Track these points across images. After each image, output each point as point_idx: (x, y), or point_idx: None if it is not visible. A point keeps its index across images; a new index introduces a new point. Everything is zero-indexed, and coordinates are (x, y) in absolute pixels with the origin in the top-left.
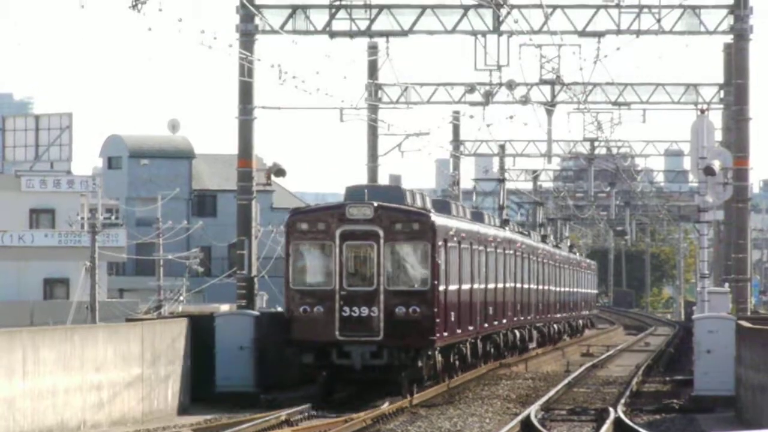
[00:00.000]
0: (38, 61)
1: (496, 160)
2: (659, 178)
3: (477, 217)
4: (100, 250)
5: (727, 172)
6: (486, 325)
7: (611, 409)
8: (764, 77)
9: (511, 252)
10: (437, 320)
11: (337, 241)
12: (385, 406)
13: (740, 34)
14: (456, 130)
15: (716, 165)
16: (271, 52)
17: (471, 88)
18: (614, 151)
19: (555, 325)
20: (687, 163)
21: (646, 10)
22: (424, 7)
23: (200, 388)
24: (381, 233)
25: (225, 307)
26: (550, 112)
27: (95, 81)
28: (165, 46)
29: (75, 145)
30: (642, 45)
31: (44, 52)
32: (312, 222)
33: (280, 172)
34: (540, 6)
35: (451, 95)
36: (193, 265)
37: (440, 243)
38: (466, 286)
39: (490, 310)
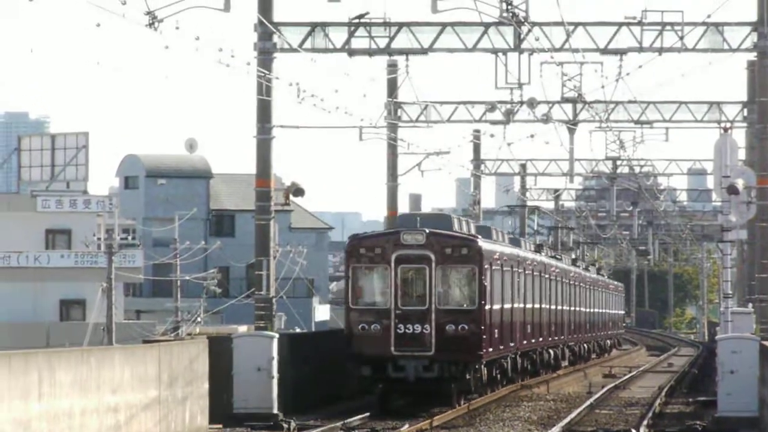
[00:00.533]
0: (54, 80)
1: (517, 180)
2: (682, 197)
3: (514, 242)
4: (116, 270)
5: (750, 191)
6: (525, 342)
7: (634, 431)
8: None
9: (546, 275)
10: (484, 337)
11: (393, 265)
12: (405, 428)
13: (764, 51)
14: (476, 148)
15: (740, 184)
16: (289, 70)
17: (492, 107)
18: (637, 170)
19: (585, 345)
20: (710, 182)
21: (668, 27)
22: (444, 25)
23: (218, 409)
24: (432, 257)
25: (243, 329)
26: (571, 131)
27: (112, 100)
28: (182, 64)
29: (91, 165)
30: (665, 63)
31: (60, 71)
32: (370, 247)
33: (298, 191)
34: (561, 23)
35: (472, 114)
36: (210, 285)
37: (486, 266)
38: (507, 306)
39: (528, 329)
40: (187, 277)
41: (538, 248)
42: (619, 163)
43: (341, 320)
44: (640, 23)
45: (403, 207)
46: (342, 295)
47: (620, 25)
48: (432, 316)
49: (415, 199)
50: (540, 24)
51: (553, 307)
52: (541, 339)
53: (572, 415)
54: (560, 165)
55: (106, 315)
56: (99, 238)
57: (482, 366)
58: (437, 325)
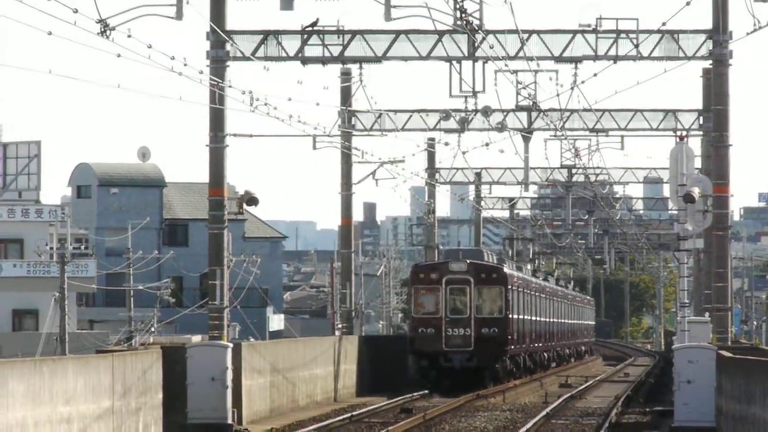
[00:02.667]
0: (5, 89)
1: (472, 188)
2: (638, 205)
3: (518, 269)
4: (69, 280)
5: (706, 200)
6: (531, 345)
7: None
8: (744, 103)
9: (542, 294)
10: (508, 338)
11: (444, 285)
12: None
13: (719, 59)
14: (431, 157)
15: (696, 192)
16: (242, 78)
17: (446, 115)
18: (592, 178)
19: (567, 350)
20: (666, 191)
21: (623, 35)
22: (397, 33)
23: (172, 420)
24: (472, 280)
25: (197, 338)
26: (526, 139)
27: (64, 108)
28: (134, 73)
29: (43, 174)
30: (620, 71)
31: (11, 80)
32: (427, 273)
33: (252, 200)
34: (516, 31)
35: (426, 122)
36: (164, 295)
37: (510, 286)
38: (522, 317)
39: (533, 335)
40: (141, 287)
41: (534, 272)
42: (574, 171)
43: (296, 330)
44: (594, 31)
45: (358, 215)
46: (295, 305)
47: (575, 32)
48: (471, 322)
49: (370, 208)
50: (494, 32)
51: (546, 319)
52: (540, 344)
53: (528, 426)
54: (515, 173)
55: (59, 325)
56: (51, 248)
57: (507, 359)
58: (475, 328)
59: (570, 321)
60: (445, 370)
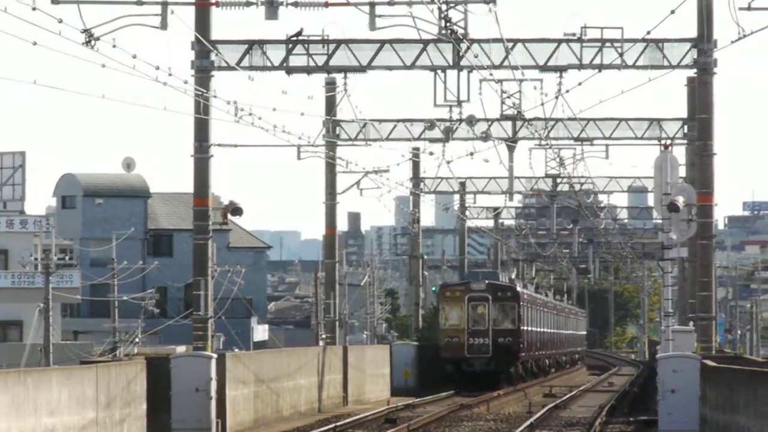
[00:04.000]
0: None
1: (456, 198)
2: (623, 215)
3: (524, 286)
4: (53, 291)
5: (691, 209)
6: (538, 353)
7: None
8: (728, 111)
9: (545, 309)
10: (521, 346)
11: (466, 302)
12: None
13: (704, 68)
14: (416, 167)
15: (680, 201)
16: (227, 88)
17: (431, 125)
18: (577, 187)
19: (563, 357)
20: (651, 200)
21: (608, 44)
22: (382, 42)
23: (156, 431)
24: (490, 297)
25: (181, 349)
26: (511, 149)
27: (48, 119)
28: (119, 82)
29: (28, 185)
30: (604, 79)
31: None
32: (452, 291)
33: (236, 210)
34: (500, 40)
35: (411, 132)
36: (148, 306)
37: (522, 303)
38: (530, 329)
39: (539, 344)
40: (125, 298)
41: (536, 289)
42: (558, 180)
43: (280, 340)
44: (579, 40)
45: (342, 225)
46: (280, 315)
47: (560, 41)
48: (490, 332)
49: (354, 218)
50: (479, 41)
51: (548, 330)
52: (544, 352)
53: None
54: (500, 183)
55: (43, 336)
56: (36, 259)
57: (519, 364)
58: (493, 338)
59: (566, 331)
60: (468, 374)
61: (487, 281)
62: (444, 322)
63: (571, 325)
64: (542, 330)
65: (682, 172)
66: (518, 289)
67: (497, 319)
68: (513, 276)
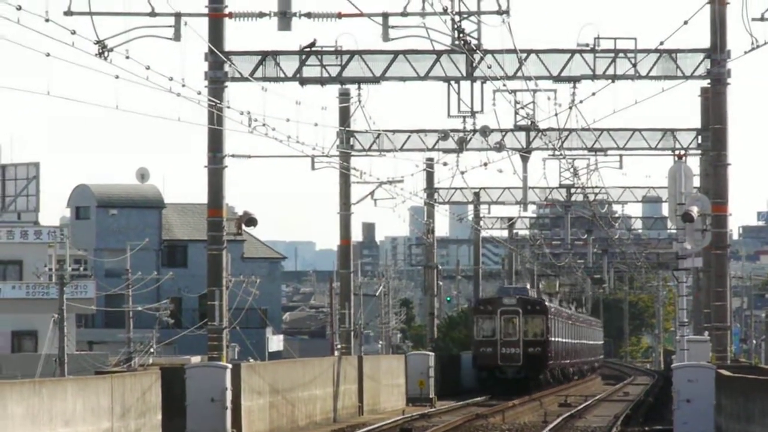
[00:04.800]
0: (4, 110)
1: (470, 208)
2: (637, 225)
3: (550, 300)
4: (68, 302)
5: (705, 219)
6: (563, 361)
7: None
8: (742, 122)
9: (569, 321)
10: (549, 355)
11: (499, 315)
12: None
13: (717, 78)
14: (430, 177)
15: (694, 211)
16: (240, 99)
17: (444, 135)
18: (591, 197)
19: (585, 366)
20: (665, 210)
21: (621, 54)
22: (396, 53)
23: None
24: (520, 311)
25: (196, 359)
26: (525, 159)
27: (62, 130)
28: (133, 94)
29: (42, 195)
30: (618, 90)
31: (10, 101)
32: (485, 305)
33: (251, 221)
34: (514, 51)
35: (425, 142)
36: (163, 316)
37: (550, 316)
38: (557, 339)
39: (564, 353)
40: (140, 308)
41: (560, 303)
42: (573, 191)
43: (295, 351)
44: (593, 50)
45: (357, 235)
46: (294, 326)
47: (573, 52)
48: (521, 343)
49: (368, 228)
50: (492, 52)
51: (571, 340)
52: (568, 360)
53: None
54: (514, 193)
55: (58, 346)
56: (50, 269)
57: (547, 372)
58: (524, 348)
59: (587, 342)
60: (500, 380)
61: (518, 296)
62: (478, 333)
63: (591, 336)
64: (567, 341)
65: (696, 182)
66: (546, 303)
67: (527, 330)
68: (528, 286)
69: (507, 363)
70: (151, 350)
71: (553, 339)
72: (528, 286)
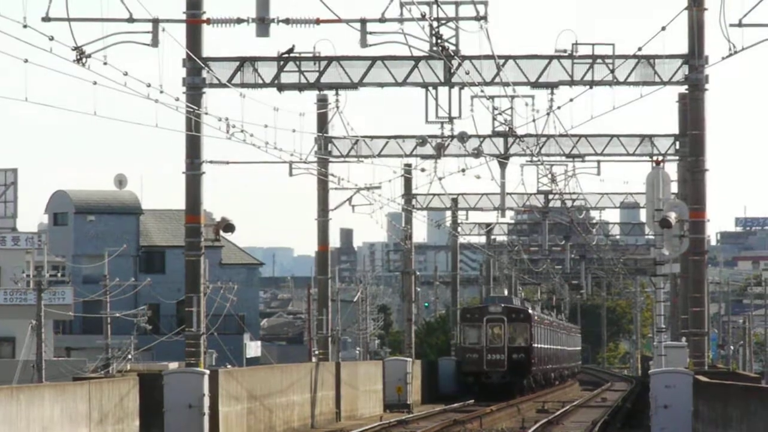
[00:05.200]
0: None
1: (448, 214)
2: (615, 230)
3: (533, 307)
4: (46, 308)
5: (683, 225)
6: (545, 367)
7: None
8: (720, 127)
9: (549, 327)
10: (532, 361)
11: (485, 323)
12: None
13: (695, 84)
14: (408, 183)
15: (672, 217)
16: (219, 105)
17: (422, 141)
18: (569, 204)
19: (566, 371)
20: (643, 216)
21: (599, 60)
22: (374, 59)
23: None
24: (505, 318)
25: (174, 365)
26: (503, 165)
27: (40, 136)
28: (111, 100)
29: (20, 202)
30: (596, 96)
31: None
32: (472, 313)
33: (228, 227)
34: (492, 57)
35: (403, 148)
36: (140, 322)
37: (533, 324)
38: (539, 346)
39: (545, 359)
40: (118, 314)
41: (542, 310)
42: (550, 197)
43: (272, 357)
44: (570, 56)
45: (335, 241)
46: (272, 332)
47: (551, 58)
48: (505, 349)
49: (346, 234)
50: (470, 57)
51: (553, 346)
52: (550, 366)
53: None
54: (492, 199)
55: (35, 352)
56: (28, 275)
57: (530, 377)
58: (508, 354)
59: (567, 348)
60: (486, 385)
61: (503, 305)
62: (464, 340)
63: (570, 342)
64: (549, 347)
65: (674, 188)
66: (530, 311)
67: (512, 337)
68: (508, 294)
69: (492, 368)
70: (129, 356)
71: (536, 346)
72: (513, 296)
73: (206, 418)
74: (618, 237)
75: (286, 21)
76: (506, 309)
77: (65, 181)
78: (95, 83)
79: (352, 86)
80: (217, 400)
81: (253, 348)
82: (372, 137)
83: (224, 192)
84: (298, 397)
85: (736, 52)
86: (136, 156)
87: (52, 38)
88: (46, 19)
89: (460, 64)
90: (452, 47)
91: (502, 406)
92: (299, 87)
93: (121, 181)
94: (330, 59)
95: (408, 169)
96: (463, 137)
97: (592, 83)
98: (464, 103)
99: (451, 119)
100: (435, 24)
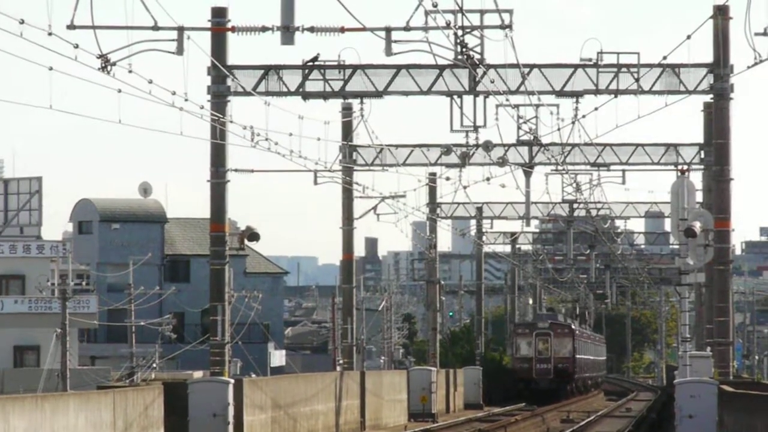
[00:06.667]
0: (6, 125)
1: (473, 223)
2: (640, 240)
3: (572, 322)
4: (70, 316)
5: (708, 234)
6: (584, 375)
7: None
8: (745, 136)
9: (587, 340)
10: (575, 369)
11: (534, 336)
12: None
13: (720, 93)
14: (432, 192)
15: (697, 227)
16: (243, 113)
17: (447, 150)
18: (593, 213)
19: (599, 379)
20: (668, 225)
21: (624, 69)
22: (398, 68)
23: None
24: (552, 333)
25: (198, 374)
26: (527, 174)
27: (65, 144)
28: (136, 108)
29: (45, 210)
30: (621, 105)
31: (12, 116)
32: (523, 328)
33: (253, 236)
34: (517, 66)
35: (428, 157)
36: (165, 331)
37: (575, 337)
38: (580, 356)
39: (584, 368)
40: (142, 323)
41: (578, 324)
42: (575, 206)
43: (297, 366)
44: (595, 65)
45: (359, 250)
46: (297, 341)
47: (576, 67)
48: (552, 359)
49: (371, 243)
50: (495, 66)
51: (589, 357)
52: (588, 374)
53: None
54: (516, 208)
55: (60, 361)
56: (53, 284)
57: (574, 383)
58: (554, 364)
59: (598, 358)
60: (535, 391)
61: (549, 321)
62: (517, 351)
63: (595, 351)
64: (587, 357)
65: (699, 197)
66: (573, 326)
67: (557, 349)
68: (530, 301)
69: (541, 376)
70: (154, 365)
71: (578, 356)
72: (557, 312)
73: (231, 427)
74: (643, 246)
75: (311, 29)
76: (552, 325)
77: (90, 189)
78: (120, 91)
79: (377, 95)
80: (241, 409)
81: (278, 357)
82: (397, 146)
83: (249, 200)
84: (323, 406)
85: (761, 61)
86: (160, 164)
87: (77, 46)
88: (71, 27)
89: (485, 73)
90: (477, 56)
91: (527, 416)
92: (324, 95)
93: (146, 190)
94: (355, 67)
95: (433, 178)
96: (487, 146)
97: (617, 92)
98: (489, 112)
99: (475, 128)
100: (460, 32)
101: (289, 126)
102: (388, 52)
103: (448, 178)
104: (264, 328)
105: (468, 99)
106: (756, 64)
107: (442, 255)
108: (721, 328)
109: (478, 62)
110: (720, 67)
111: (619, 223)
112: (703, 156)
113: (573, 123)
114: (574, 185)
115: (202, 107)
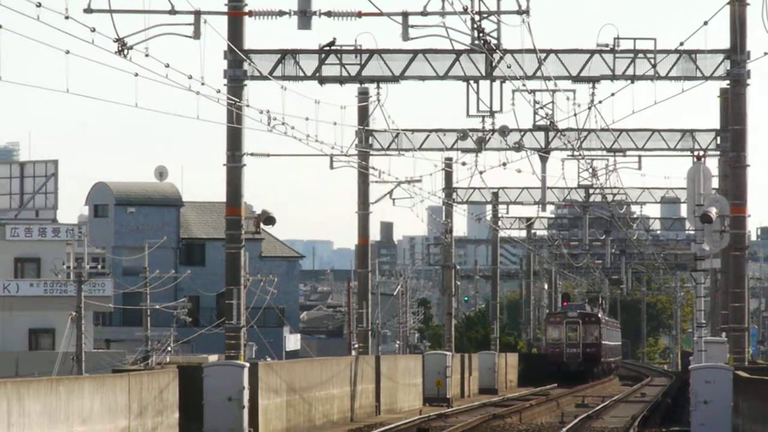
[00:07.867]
0: (23, 108)
1: (489, 208)
2: (655, 225)
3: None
4: (86, 299)
5: (724, 220)
6: (608, 359)
7: None
8: (762, 123)
9: (609, 327)
10: (601, 353)
11: (564, 325)
12: None
13: (737, 79)
14: (448, 177)
15: (713, 212)
16: (260, 97)
17: (463, 135)
18: (609, 198)
19: (610, 365)
20: (683, 211)
21: (641, 55)
22: (415, 52)
23: None
24: (580, 321)
25: (213, 358)
26: (544, 159)
27: (81, 127)
28: (152, 92)
29: (60, 193)
30: (637, 90)
31: (29, 99)
32: (555, 317)
33: (269, 220)
34: (533, 51)
35: (444, 142)
36: (180, 315)
37: (602, 325)
38: (605, 342)
39: (608, 353)
40: (157, 306)
41: (600, 311)
42: (591, 191)
43: (312, 350)
44: (612, 51)
45: (375, 235)
46: (312, 325)
47: (593, 52)
48: (581, 344)
49: (387, 228)
50: (512, 51)
51: (611, 342)
52: (611, 358)
53: None
54: (532, 193)
55: (75, 344)
56: (68, 267)
57: (600, 366)
58: (583, 348)
59: (611, 343)
60: (565, 373)
61: (578, 311)
62: (549, 337)
63: (612, 337)
64: (610, 343)
65: (715, 183)
66: (599, 315)
67: (585, 336)
68: (545, 287)
69: (570, 360)
70: (169, 349)
71: (604, 342)
72: (585, 304)
73: (246, 411)
74: (658, 232)
75: (328, 14)
76: (581, 314)
77: (106, 172)
78: (137, 75)
79: (394, 79)
80: (256, 392)
81: (293, 341)
82: (413, 131)
83: (265, 184)
84: (338, 391)
85: None
86: (176, 148)
87: (94, 30)
88: (88, 10)
89: (501, 58)
90: (494, 41)
91: (542, 400)
92: (340, 80)
93: (161, 173)
94: (371, 52)
95: (449, 163)
96: (504, 131)
97: (633, 78)
98: (505, 97)
99: (492, 113)
100: (477, 17)
101: (306, 110)
102: (405, 36)
103: (464, 163)
104: (279, 312)
105: (484, 84)
106: None
107: (457, 240)
108: (736, 313)
109: (494, 47)
110: (737, 53)
111: (634, 208)
112: (719, 142)
113: (589, 108)
114: (590, 171)
115: (218, 91)
